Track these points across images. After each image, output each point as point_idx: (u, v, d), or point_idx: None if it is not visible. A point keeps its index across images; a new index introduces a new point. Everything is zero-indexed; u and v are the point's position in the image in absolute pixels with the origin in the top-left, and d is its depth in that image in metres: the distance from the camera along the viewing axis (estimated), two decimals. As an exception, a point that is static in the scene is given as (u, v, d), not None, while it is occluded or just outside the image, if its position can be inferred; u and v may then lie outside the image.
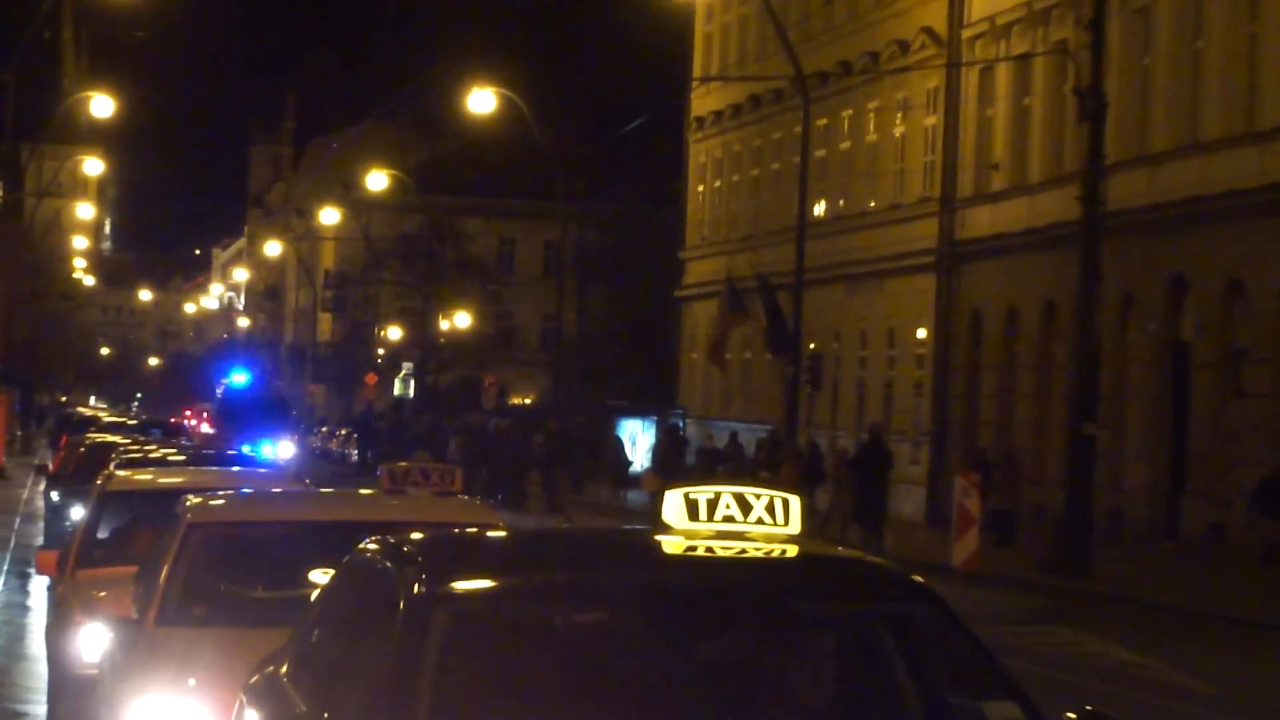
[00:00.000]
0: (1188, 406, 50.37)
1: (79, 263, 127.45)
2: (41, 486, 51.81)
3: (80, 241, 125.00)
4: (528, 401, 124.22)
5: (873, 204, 72.27)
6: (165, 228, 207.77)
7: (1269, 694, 26.65)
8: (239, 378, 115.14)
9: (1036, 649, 27.74)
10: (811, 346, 68.26)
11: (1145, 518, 47.65)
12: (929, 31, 66.99)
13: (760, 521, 10.10)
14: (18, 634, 28.97)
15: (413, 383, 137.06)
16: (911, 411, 68.04)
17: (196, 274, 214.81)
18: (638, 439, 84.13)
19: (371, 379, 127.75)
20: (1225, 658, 31.39)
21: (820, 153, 71.34)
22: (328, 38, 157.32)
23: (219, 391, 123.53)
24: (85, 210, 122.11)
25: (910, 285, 68.41)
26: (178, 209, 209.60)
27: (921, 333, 68.13)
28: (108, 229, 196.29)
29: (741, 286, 70.47)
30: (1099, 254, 44.13)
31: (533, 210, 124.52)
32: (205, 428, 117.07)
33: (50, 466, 51.39)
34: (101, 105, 72.37)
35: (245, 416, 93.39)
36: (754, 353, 76.10)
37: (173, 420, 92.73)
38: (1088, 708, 9.44)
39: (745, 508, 10.16)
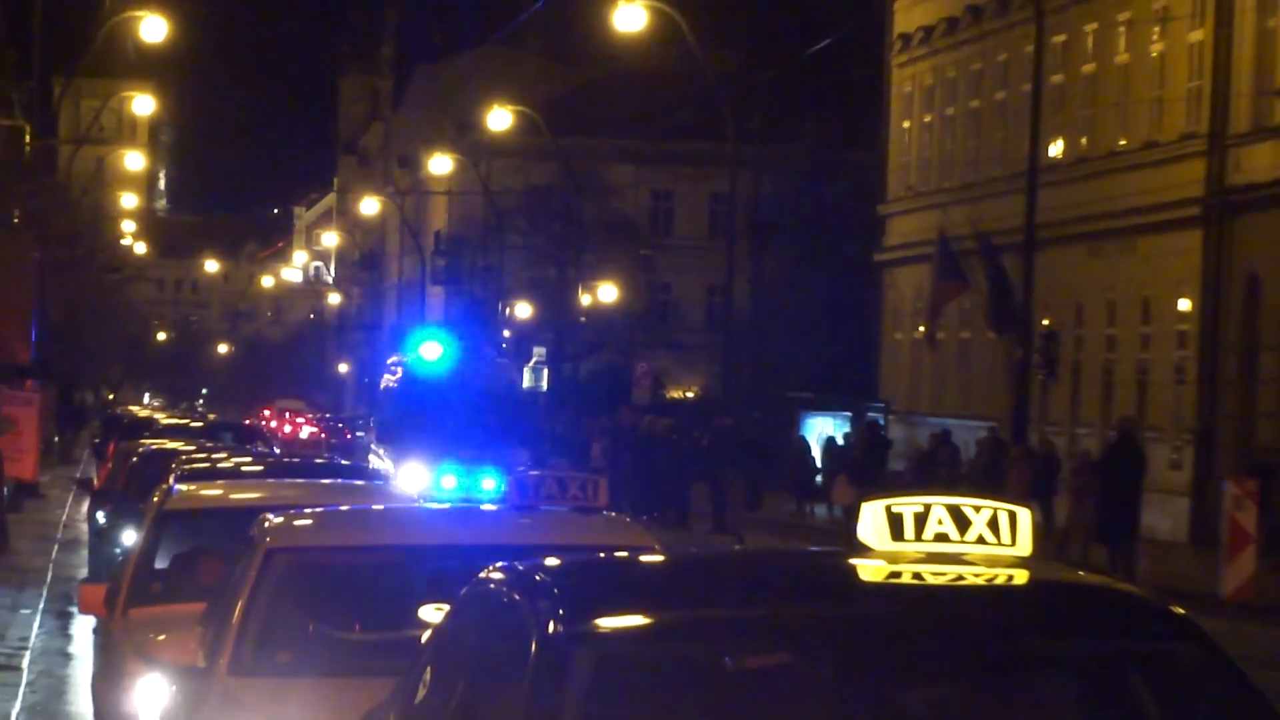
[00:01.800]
0: None
1: (127, 226, 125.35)
2: (85, 506, 52.37)
3: (129, 199, 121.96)
4: (690, 395, 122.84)
5: (1123, 143, 72.09)
6: (235, 183, 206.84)
7: None
8: (429, 350, 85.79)
9: None
10: (1045, 323, 68.77)
11: None
12: None
13: (981, 540, 10.06)
14: (57, 688, 29.39)
15: (546, 372, 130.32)
16: (1172, 404, 67.81)
17: (275, 239, 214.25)
18: (828, 440, 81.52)
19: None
20: None
21: (1057, 78, 71.88)
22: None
23: (388, 380, 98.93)
24: (134, 160, 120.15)
25: (1171, 244, 68.29)
26: (250, 158, 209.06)
27: (1184, 304, 67.72)
28: (162, 184, 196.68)
29: (958, 248, 71.26)
30: None
31: (695, 156, 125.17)
32: (306, 429, 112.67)
33: (95, 481, 51.91)
34: (152, 28, 69.90)
35: (444, 422, 73.90)
36: (974, 331, 77.02)
37: (248, 422, 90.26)
38: None
39: (962, 524, 10.04)
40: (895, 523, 9.91)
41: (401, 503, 25.38)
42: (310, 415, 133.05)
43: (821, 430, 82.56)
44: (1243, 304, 62.88)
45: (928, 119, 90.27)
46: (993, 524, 10.00)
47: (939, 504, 10.10)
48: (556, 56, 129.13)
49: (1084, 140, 74.79)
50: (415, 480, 43.01)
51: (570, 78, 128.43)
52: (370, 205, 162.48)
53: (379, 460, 57.91)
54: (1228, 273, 63.95)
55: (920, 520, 9.98)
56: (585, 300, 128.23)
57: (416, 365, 77.95)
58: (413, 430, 70.12)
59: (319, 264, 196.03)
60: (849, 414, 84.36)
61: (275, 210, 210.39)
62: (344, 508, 21.15)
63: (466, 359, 79.19)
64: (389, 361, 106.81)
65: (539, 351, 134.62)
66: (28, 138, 67.22)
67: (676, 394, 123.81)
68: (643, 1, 78.76)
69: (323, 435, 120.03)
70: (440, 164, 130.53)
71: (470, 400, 74.37)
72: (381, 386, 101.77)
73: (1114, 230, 71.56)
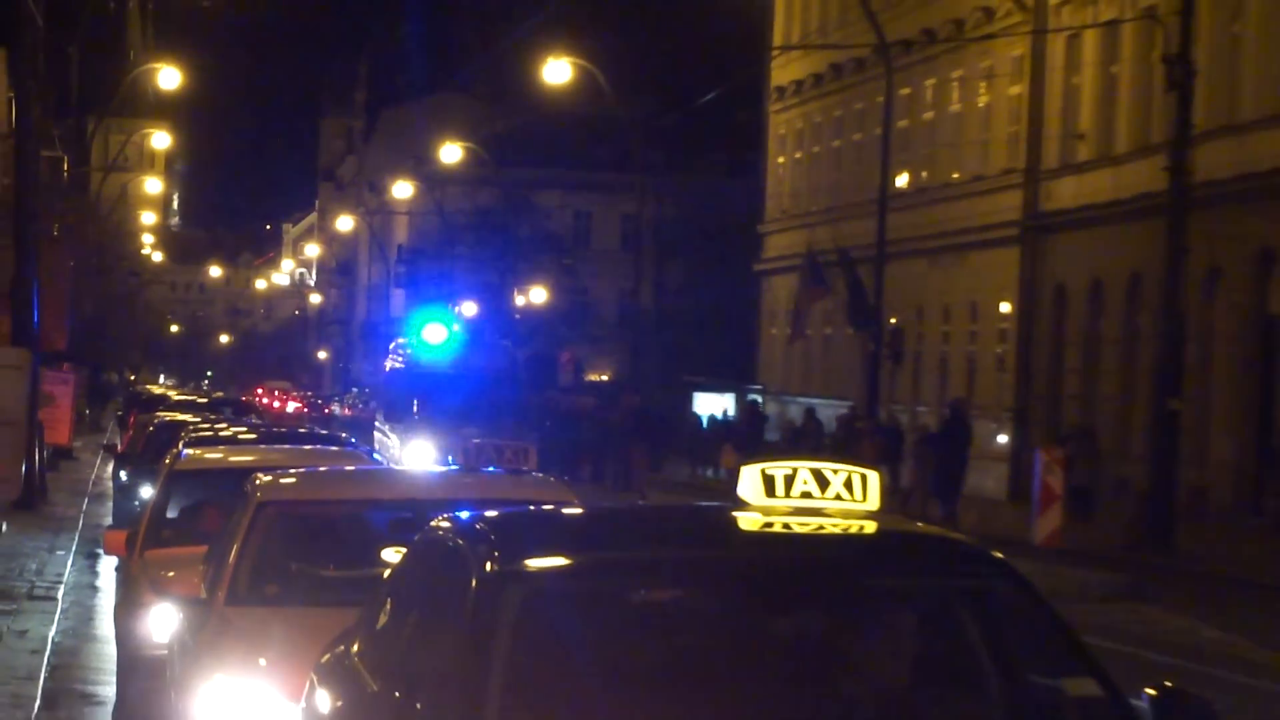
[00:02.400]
0: (1275, 381, 50.70)
1: (147, 238, 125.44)
2: (110, 466, 52.19)
3: (148, 217, 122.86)
4: (605, 378, 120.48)
5: (956, 175, 72.81)
6: (234, 203, 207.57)
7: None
8: (432, 333, 72.64)
9: (1117, 626, 27.94)
10: (893, 321, 68.78)
11: (1231, 494, 47.83)
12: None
13: (838, 497, 10.33)
14: (86, 615, 29.04)
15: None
16: (994, 387, 68.37)
17: (267, 250, 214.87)
18: (715, 416, 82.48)
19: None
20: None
21: (903, 123, 71.84)
22: (399, 7, 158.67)
23: (393, 361, 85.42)
24: (153, 185, 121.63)
25: (993, 258, 68.61)
26: (247, 183, 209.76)
27: (1005, 307, 68.30)
28: (175, 204, 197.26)
29: (822, 260, 71.26)
30: (1185, 226, 44.48)
31: (610, 184, 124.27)
32: (291, 405, 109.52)
33: (119, 446, 51.71)
34: (168, 77, 71.30)
35: (450, 401, 63.67)
36: (834, 328, 76.62)
37: (244, 399, 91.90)
38: (1167, 684, 9.57)
39: (823, 483, 10.35)
40: (769, 482, 10.24)
41: (367, 465, 25.72)
42: (294, 393, 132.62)
43: (710, 407, 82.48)
44: (1051, 307, 63.55)
45: (798, 155, 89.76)
46: (848, 484, 10.31)
47: (804, 467, 10.42)
48: (498, 101, 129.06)
49: (924, 173, 75.02)
50: (423, 455, 40.99)
51: (509, 119, 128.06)
52: (345, 223, 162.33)
53: (384, 437, 52.41)
54: (1039, 282, 64.58)
55: (789, 480, 10.29)
56: (520, 300, 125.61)
57: (421, 348, 68.79)
58: (419, 409, 62.78)
59: (303, 270, 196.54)
60: (733, 394, 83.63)
61: (267, 226, 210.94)
62: (321, 469, 21.07)
63: (469, 341, 69.88)
64: (391, 345, 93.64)
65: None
66: (65, 166, 67.49)
67: (594, 377, 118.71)
68: (568, 58, 78.45)
69: (305, 409, 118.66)
70: (402, 189, 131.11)
71: (473, 380, 65.51)
72: (386, 367, 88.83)
73: (948, 247, 71.70)
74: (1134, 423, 55.03)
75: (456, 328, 69.67)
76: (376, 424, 61.89)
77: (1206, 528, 45.22)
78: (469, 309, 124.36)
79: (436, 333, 58.96)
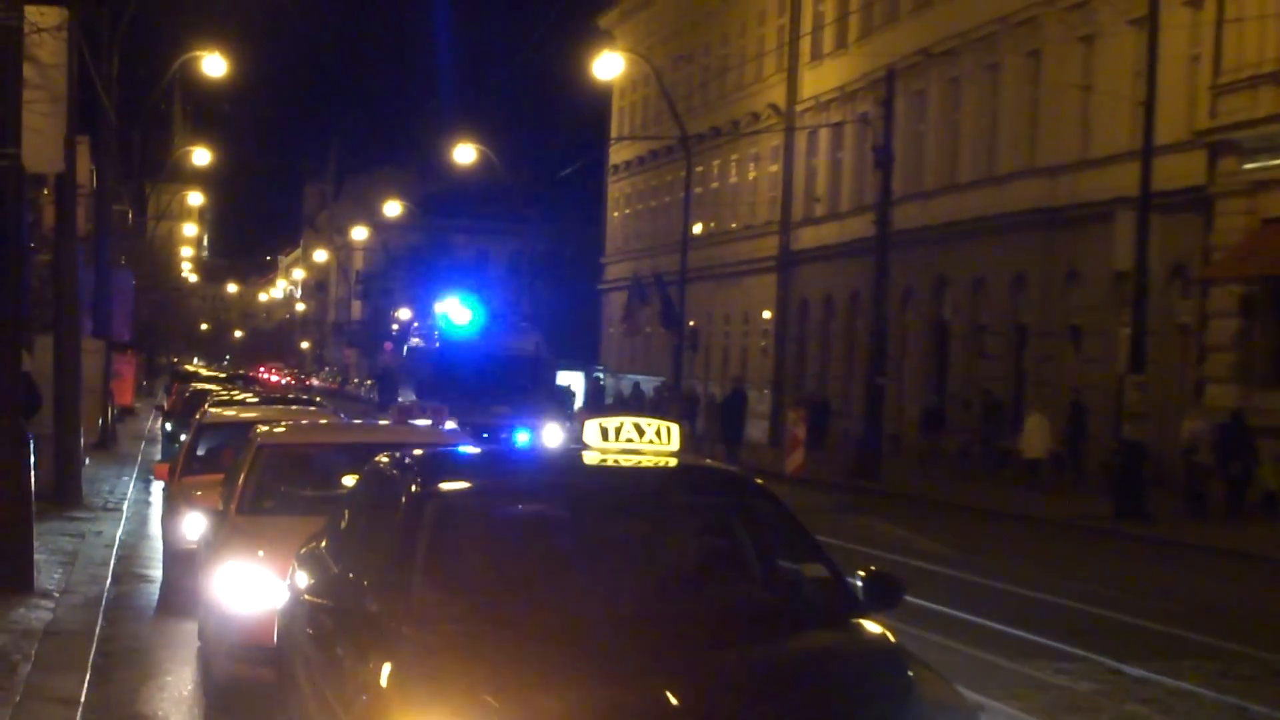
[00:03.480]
0: (945, 365, 51.48)
1: (185, 266, 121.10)
2: (159, 421, 51.49)
3: (187, 250, 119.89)
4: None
5: (734, 225, 72.49)
6: (245, 241, 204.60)
7: (991, 553, 27.82)
8: (458, 314, 53.36)
9: (841, 529, 28.20)
10: (691, 324, 68.46)
11: (915, 441, 48.22)
12: (774, 106, 67.12)
13: (651, 442, 10.54)
14: (142, 521, 28.71)
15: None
16: (760, 368, 68.34)
17: (267, 273, 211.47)
18: (567, 387, 79.06)
19: (388, 346, 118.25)
20: (964, 532, 32.41)
21: (698, 190, 71.10)
22: (359, 105, 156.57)
23: (415, 342, 68.75)
24: (190, 229, 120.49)
25: (759, 281, 68.63)
26: (253, 227, 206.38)
27: (766, 314, 68.26)
28: (205, 241, 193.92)
29: (644, 281, 70.81)
30: (888, 260, 45.15)
31: (502, 229, 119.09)
32: (283, 379, 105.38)
33: (165, 406, 50.93)
34: (201, 155, 70.37)
35: (479, 382, 45.95)
36: (652, 327, 75.51)
37: (250, 374, 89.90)
38: (872, 568, 9.89)
39: (640, 432, 10.55)
40: (604, 431, 10.43)
41: (332, 419, 25.77)
42: (284, 371, 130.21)
43: (567, 380, 78.87)
44: (798, 314, 63.55)
45: (628, 211, 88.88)
46: (658, 433, 10.51)
47: (628, 421, 10.63)
48: (425, 173, 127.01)
49: (713, 224, 74.33)
50: (553, 437, 33.96)
51: (433, 184, 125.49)
52: (320, 255, 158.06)
53: (423, 416, 40.62)
54: (790, 298, 64.65)
55: (617, 430, 10.46)
56: (439, 309, 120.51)
57: (449, 328, 50.65)
58: (449, 389, 45.98)
59: (292, 287, 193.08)
60: (583, 373, 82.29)
61: (268, 258, 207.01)
62: (302, 423, 21.11)
63: (494, 323, 51.24)
64: (413, 325, 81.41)
65: (416, 339, 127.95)
66: (130, 216, 66.36)
67: None
68: (473, 144, 76.26)
69: (291, 381, 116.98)
70: (359, 233, 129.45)
71: (501, 362, 47.24)
72: (409, 345, 66.50)
73: (729, 273, 71.39)
74: (853, 392, 55.46)
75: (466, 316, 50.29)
76: (419, 404, 44.84)
77: (900, 463, 45.36)
78: (404, 314, 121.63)
79: (462, 313, 46.66)
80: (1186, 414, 34.92)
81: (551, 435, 35.31)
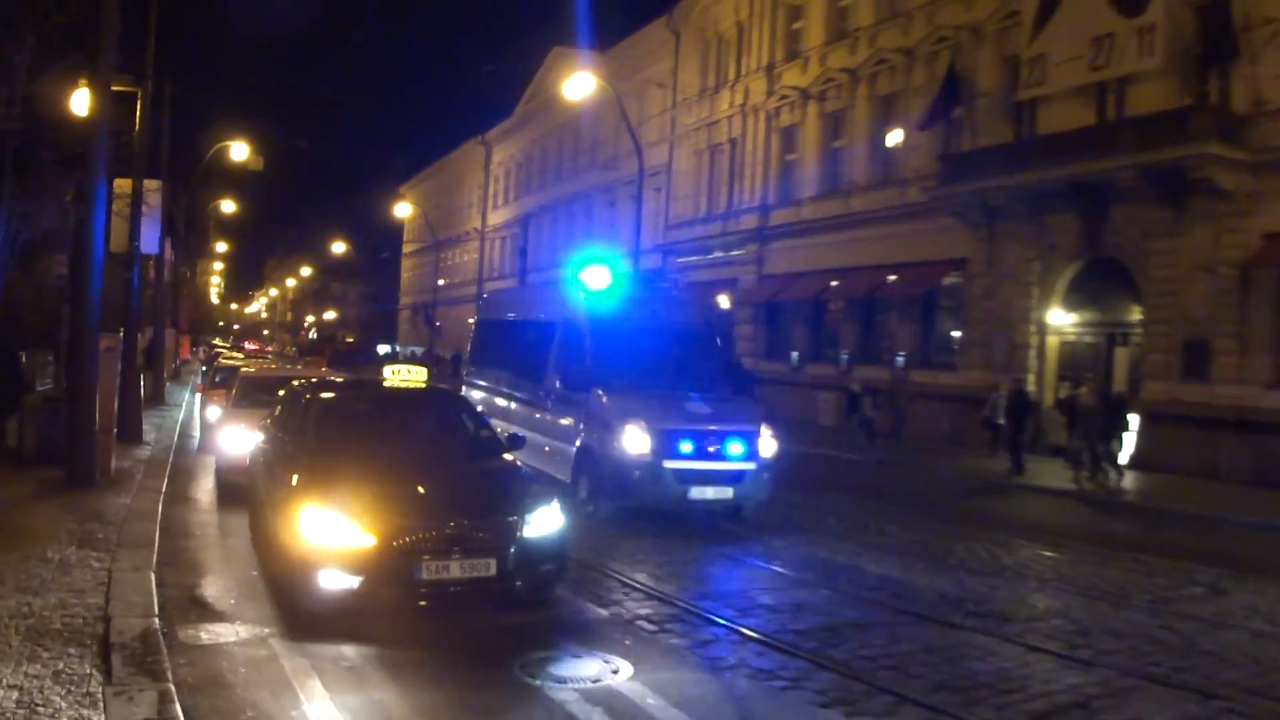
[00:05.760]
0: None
1: (214, 293, 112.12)
2: (202, 369, 44.80)
3: (215, 280, 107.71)
4: (350, 339, 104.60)
5: (458, 281, 79.28)
6: (239, 283, 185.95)
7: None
8: (595, 277, 19.27)
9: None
10: (439, 324, 73.14)
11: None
12: (476, 229, 76.82)
13: (416, 375, 13.01)
14: (190, 410, 31.26)
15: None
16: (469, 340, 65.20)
17: (254, 298, 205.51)
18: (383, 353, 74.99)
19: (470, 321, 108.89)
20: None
21: (445, 263, 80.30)
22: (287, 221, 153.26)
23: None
24: (217, 265, 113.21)
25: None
26: (244, 276, 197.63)
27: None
28: (221, 281, 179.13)
29: (419, 305, 77.57)
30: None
31: (355, 270, 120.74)
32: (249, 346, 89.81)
33: (199, 388, 40.39)
34: (226, 207, 57.02)
35: (655, 370, 18.44)
36: (420, 323, 77.64)
37: (240, 344, 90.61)
38: (512, 431, 13.54)
39: (410, 371, 13.19)
40: (394, 373, 13.31)
41: (279, 363, 29.65)
42: (256, 342, 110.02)
43: (383, 350, 78.61)
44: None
45: (412, 269, 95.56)
46: (417, 374, 13.24)
47: (403, 367, 13.40)
48: (316, 256, 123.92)
49: (448, 279, 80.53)
50: (638, 442, 15.94)
51: (317, 262, 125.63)
52: (272, 293, 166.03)
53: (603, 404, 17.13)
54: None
55: (396, 372, 13.33)
56: (331, 314, 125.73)
57: (594, 299, 19.27)
58: (614, 378, 18.05)
59: (265, 311, 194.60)
60: (388, 345, 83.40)
61: (250, 293, 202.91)
62: (265, 365, 24.86)
63: (646, 291, 20.54)
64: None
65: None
66: (187, 273, 65.45)
67: (350, 338, 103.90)
68: (341, 241, 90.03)
69: (259, 348, 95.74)
70: (291, 281, 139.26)
71: (676, 340, 19.57)
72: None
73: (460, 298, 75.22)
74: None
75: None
76: (600, 396, 17.61)
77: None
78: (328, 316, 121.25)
79: (600, 276, 19.30)
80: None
81: (767, 445, 17.20)
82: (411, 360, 26.56)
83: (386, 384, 13.38)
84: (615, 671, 9.49)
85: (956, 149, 34.11)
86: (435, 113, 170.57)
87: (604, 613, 11.40)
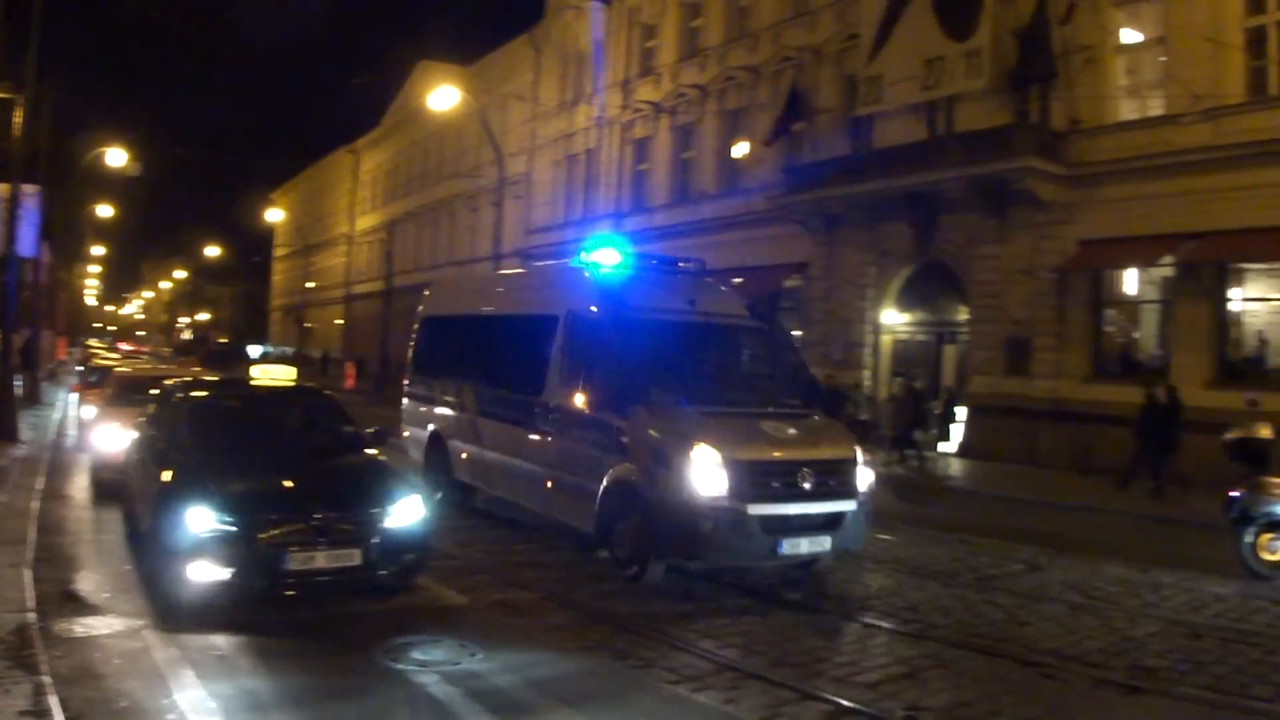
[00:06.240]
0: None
1: (91, 295, 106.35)
2: (78, 369, 40.35)
3: (93, 282, 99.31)
4: (223, 340, 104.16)
5: (327, 284, 78.74)
6: (119, 283, 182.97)
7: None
8: (613, 258, 13.66)
9: (372, 416, 23.64)
10: (309, 326, 79.21)
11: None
12: (345, 234, 76.36)
13: (285, 375, 13.11)
14: (68, 411, 29.87)
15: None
16: (335, 340, 71.46)
17: (132, 298, 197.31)
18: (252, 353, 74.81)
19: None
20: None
21: (314, 267, 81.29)
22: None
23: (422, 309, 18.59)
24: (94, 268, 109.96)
25: (368, 303, 70.71)
26: (121, 282, 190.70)
27: (339, 321, 74.18)
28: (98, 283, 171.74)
29: (290, 304, 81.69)
30: (391, 302, 52.94)
31: (226, 291, 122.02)
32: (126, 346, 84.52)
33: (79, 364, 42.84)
34: (104, 210, 53.32)
35: (706, 384, 12.75)
36: (292, 323, 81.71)
37: (116, 343, 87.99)
38: (377, 428, 12.42)
39: (280, 372, 13.43)
40: (264, 372, 13.61)
41: (153, 363, 29.32)
42: (138, 346, 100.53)
43: (251, 351, 78.06)
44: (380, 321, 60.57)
45: (283, 272, 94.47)
46: (286, 373, 13.57)
47: (271, 366, 13.87)
48: (188, 259, 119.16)
49: (315, 282, 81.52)
50: (710, 479, 11.05)
51: (189, 266, 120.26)
52: (148, 295, 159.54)
53: (652, 426, 11.60)
54: (395, 325, 61.16)
55: (266, 371, 13.54)
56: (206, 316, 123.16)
57: (616, 288, 13.14)
58: (657, 390, 12.05)
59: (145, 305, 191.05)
60: (260, 346, 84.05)
61: (124, 295, 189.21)
62: (138, 367, 23.58)
63: (675, 275, 13.91)
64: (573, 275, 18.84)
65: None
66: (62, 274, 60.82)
67: (223, 338, 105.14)
68: (217, 244, 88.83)
69: (135, 348, 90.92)
70: (166, 284, 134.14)
71: (722, 339, 13.53)
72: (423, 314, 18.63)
73: (322, 301, 79.08)
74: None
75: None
76: (648, 418, 11.94)
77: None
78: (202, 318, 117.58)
79: (611, 257, 13.43)
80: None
81: (865, 476, 12.37)
82: (283, 360, 24.99)
83: (256, 383, 13.33)
84: (473, 654, 9.52)
85: (799, 161, 34.56)
86: (307, 122, 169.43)
87: (463, 599, 11.38)
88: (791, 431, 12.37)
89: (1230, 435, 15.68)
